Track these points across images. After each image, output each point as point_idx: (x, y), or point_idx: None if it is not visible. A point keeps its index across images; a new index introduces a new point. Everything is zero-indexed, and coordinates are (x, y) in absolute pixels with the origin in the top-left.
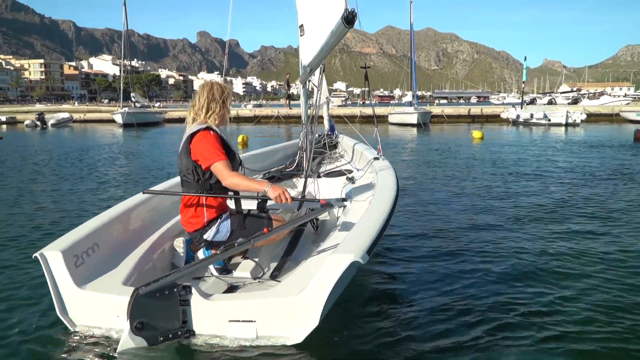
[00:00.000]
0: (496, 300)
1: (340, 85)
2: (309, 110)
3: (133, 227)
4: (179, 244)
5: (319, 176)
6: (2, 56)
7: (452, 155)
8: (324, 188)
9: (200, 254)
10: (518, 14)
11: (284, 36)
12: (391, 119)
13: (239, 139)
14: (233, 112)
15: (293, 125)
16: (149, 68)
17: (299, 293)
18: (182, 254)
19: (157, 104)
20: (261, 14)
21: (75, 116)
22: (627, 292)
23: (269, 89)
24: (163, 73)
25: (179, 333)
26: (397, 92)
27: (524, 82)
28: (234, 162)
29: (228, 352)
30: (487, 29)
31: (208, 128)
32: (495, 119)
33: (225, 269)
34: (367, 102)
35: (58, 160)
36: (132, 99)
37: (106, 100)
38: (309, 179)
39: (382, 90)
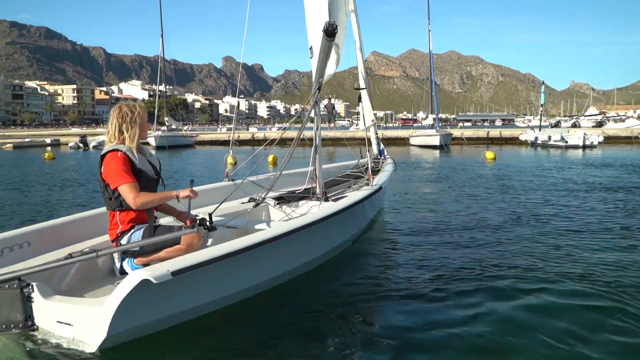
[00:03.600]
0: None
1: (360, 109)
2: (330, 133)
3: (77, 233)
4: (116, 254)
5: (326, 199)
6: (37, 82)
7: (463, 173)
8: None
9: (125, 265)
10: (543, 35)
11: (308, 60)
12: (412, 140)
13: (270, 158)
14: (260, 134)
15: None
16: (176, 92)
17: (102, 304)
18: (117, 262)
19: (185, 127)
20: (285, 38)
21: None
22: None
23: (292, 112)
24: (190, 97)
25: (21, 325)
26: (420, 114)
27: (541, 105)
28: (146, 182)
29: (63, 350)
30: (511, 51)
31: (116, 150)
32: (514, 141)
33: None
34: (355, 126)
35: None
36: (166, 122)
37: None
38: (317, 201)
39: (405, 113)
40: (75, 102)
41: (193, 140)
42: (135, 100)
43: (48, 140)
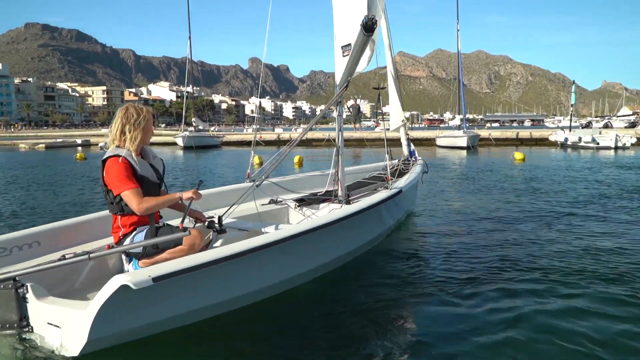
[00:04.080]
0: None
1: (389, 108)
2: (355, 134)
3: (89, 233)
4: (124, 256)
5: (348, 202)
6: (68, 83)
7: (491, 174)
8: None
9: (130, 267)
10: (575, 34)
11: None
12: (439, 141)
13: (295, 159)
14: (285, 135)
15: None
16: (203, 93)
17: (85, 308)
18: (125, 265)
19: (212, 128)
20: (310, 39)
21: None
22: None
23: (317, 112)
24: (216, 98)
25: (16, 325)
26: (447, 115)
27: (572, 105)
28: (148, 187)
29: (51, 353)
30: (541, 51)
31: (117, 155)
32: (543, 142)
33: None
34: (375, 126)
35: None
36: (194, 123)
37: (163, 125)
38: (339, 204)
39: (431, 113)
40: (105, 103)
41: (219, 140)
42: (162, 101)
43: (79, 141)
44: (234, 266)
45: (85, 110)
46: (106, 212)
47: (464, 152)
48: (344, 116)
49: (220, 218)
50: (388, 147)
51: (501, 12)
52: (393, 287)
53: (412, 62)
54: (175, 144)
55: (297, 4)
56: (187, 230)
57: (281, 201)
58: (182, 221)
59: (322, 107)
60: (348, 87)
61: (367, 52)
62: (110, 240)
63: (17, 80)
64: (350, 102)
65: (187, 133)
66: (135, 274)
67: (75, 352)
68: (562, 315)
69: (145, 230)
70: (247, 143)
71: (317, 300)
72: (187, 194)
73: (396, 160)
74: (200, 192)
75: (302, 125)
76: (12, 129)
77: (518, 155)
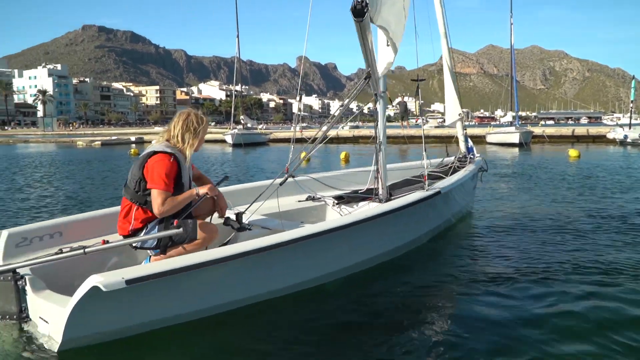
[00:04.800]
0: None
1: (438, 106)
2: (403, 131)
3: (109, 226)
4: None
5: (388, 199)
6: (123, 83)
7: (545, 171)
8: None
9: (144, 263)
10: (635, 28)
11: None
12: (489, 138)
13: (342, 155)
14: (332, 132)
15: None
16: (251, 92)
17: (65, 306)
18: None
19: (260, 126)
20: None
21: None
22: None
23: (365, 111)
24: (264, 97)
25: (15, 317)
26: (498, 112)
27: (632, 102)
28: (182, 192)
29: (41, 346)
30: (599, 45)
31: (171, 154)
32: (601, 139)
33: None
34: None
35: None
36: (242, 121)
37: (213, 123)
38: (379, 203)
39: (482, 111)
40: (158, 102)
41: (267, 138)
42: (212, 100)
43: (133, 138)
44: (215, 272)
45: (139, 109)
46: None
47: (516, 149)
48: (392, 114)
49: (239, 215)
50: (426, 144)
51: (556, 5)
52: (429, 288)
53: (462, 58)
54: (224, 141)
55: (345, 2)
56: (181, 227)
57: (319, 198)
58: (180, 217)
59: (370, 105)
60: (368, 80)
61: (385, 42)
62: (109, 236)
63: (75, 81)
64: (398, 100)
65: (236, 131)
66: (109, 275)
67: (55, 349)
68: (624, 324)
69: (157, 226)
70: (295, 140)
71: (341, 299)
72: (202, 190)
73: (452, 158)
74: (237, 186)
75: (349, 123)
76: (71, 127)
77: (573, 152)
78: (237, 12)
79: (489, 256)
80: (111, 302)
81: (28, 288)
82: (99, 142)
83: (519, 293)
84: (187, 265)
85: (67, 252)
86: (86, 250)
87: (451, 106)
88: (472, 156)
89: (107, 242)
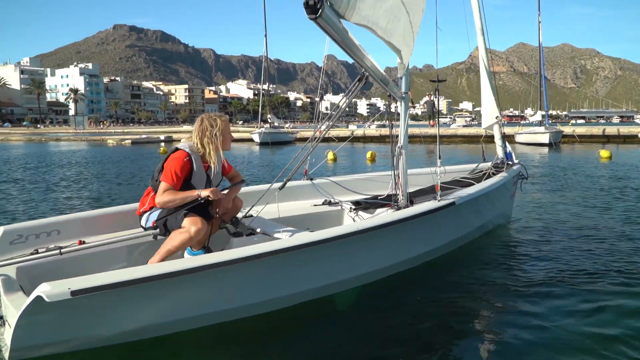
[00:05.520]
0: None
1: (466, 105)
2: (431, 130)
3: (107, 225)
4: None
5: (407, 205)
6: (152, 82)
7: (575, 172)
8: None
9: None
10: None
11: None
12: (518, 138)
13: (368, 154)
14: (359, 132)
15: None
16: (279, 91)
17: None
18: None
19: (287, 125)
20: None
21: None
22: None
23: (392, 109)
24: (292, 95)
25: None
26: (528, 111)
27: None
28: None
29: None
30: (632, 43)
31: (188, 154)
32: (633, 139)
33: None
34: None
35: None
36: (269, 120)
37: (240, 122)
38: (398, 210)
39: (511, 109)
40: (187, 101)
41: (293, 137)
42: (240, 99)
43: (162, 137)
44: (170, 285)
45: (168, 108)
46: (127, 206)
47: (545, 149)
48: (420, 112)
49: (235, 220)
50: (440, 147)
51: (586, 3)
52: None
53: (492, 56)
54: (252, 140)
55: None
56: (158, 229)
57: (337, 202)
58: (160, 217)
59: (397, 104)
60: (364, 80)
61: (401, 37)
62: (126, 232)
63: (106, 80)
64: (425, 99)
65: (263, 130)
66: (55, 285)
67: (6, 357)
68: None
69: (160, 210)
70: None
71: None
72: (205, 192)
73: (489, 164)
74: (254, 187)
75: (376, 122)
76: (102, 126)
77: (604, 153)
78: (265, 10)
79: (517, 266)
80: (59, 313)
81: (1, 290)
82: (129, 141)
83: (547, 303)
84: (148, 276)
85: (42, 252)
86: (62, 250)
87: (488, 108)
88: (510, 162)
89: (83, 242)
